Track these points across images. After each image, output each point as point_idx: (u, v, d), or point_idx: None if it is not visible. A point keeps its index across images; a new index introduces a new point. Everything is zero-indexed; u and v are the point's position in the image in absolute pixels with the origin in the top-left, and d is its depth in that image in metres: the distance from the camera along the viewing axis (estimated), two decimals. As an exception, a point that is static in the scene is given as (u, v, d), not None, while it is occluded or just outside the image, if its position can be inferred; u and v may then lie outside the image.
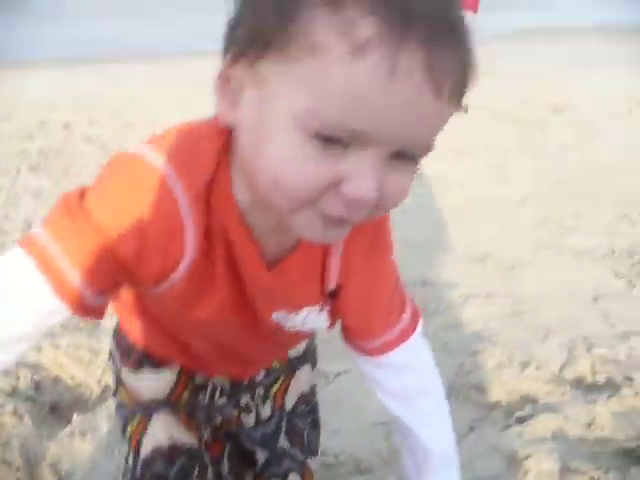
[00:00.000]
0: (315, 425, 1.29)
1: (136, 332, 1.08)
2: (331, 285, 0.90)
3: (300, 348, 1.23)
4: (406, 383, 1.02)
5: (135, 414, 1.10)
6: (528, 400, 1.84)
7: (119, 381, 1.14)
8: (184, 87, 5.67)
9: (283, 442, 1.20)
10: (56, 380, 1.88)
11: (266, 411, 1.20)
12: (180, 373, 1.11)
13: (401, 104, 0.61)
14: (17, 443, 1.62)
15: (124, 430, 1.11)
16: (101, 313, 0.79)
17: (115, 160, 0.76)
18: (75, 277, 0.72)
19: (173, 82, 6.36)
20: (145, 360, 1.09)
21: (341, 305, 0.93)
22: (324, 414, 1.75)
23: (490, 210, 3.11)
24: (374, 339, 0.97)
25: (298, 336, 1.04)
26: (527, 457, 1.59)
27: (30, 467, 1.58)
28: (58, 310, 0.74)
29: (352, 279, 0.91)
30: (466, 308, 2.25)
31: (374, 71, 0.59)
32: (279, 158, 0.65)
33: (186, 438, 1.10)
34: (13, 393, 1.79)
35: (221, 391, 1.15)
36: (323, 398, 1.80)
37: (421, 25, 0.60)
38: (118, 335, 1.13)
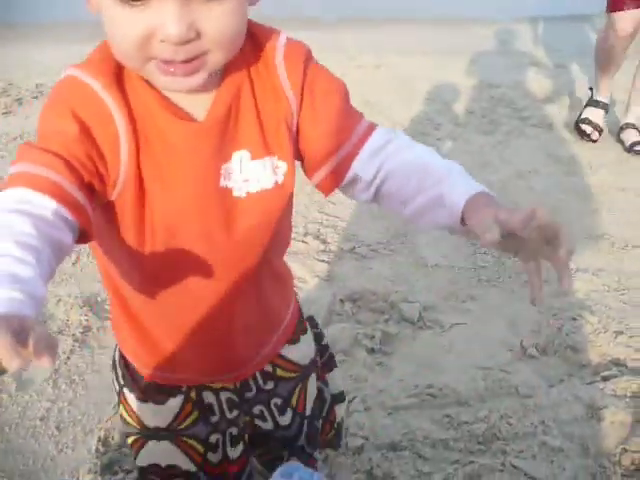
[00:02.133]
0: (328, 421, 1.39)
1: (131, 347, 1.12)
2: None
3: (308, 355, 1.26)
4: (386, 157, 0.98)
5: (134, 433, 1.16)
6: (616, 364, 2.11)
7: (121, 396, 1.17)
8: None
9: (302, 441, 1.30)
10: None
11: (286, 419, 1.25)
12: (185, 401, 1.14)
13: None
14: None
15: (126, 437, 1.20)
16: (87, 218, 0.82)
17: (55, 85, 0.90)
18: (48, 173, 0.80)
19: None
20: (151, 389, 1.13)
21: (304, 135, 0.97)
22: (436, 355, 2.14)
23: (617, 196, 3.28)
24: (344, 147, 0.98)
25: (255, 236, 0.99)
26: (604, 407, 1.89)
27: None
28: (48, 206, 0.77)
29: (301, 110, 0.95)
30: (574, 280, 2.52)
31: None
32: (110, 31, 0.82)
33: (184, 463, 1.16)
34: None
35: (230, 405, 1.18)
36: (437, 342, 2.19)
37: None
38: (122, 355, 1.16)
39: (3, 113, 4.02)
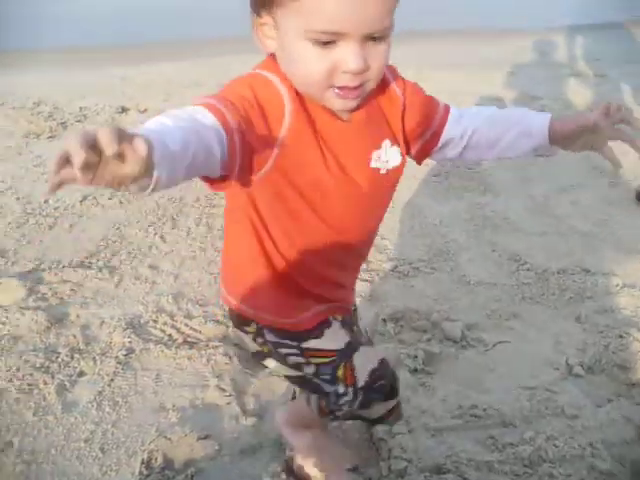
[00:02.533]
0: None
1: (289, 304, 1.36)
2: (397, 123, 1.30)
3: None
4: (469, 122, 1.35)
5: (339, 361, 1.40)
6: (667, 383, 2.06)
7: (306, 354, 1.40)
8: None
9: None
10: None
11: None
12: (340, 324, 1.42)
13: (354, 9, 1.03)
14: (228, 377, 2.10)
15: (334, 372, 1.40)
16: (234, 156, 1.06)
17: (237, 78, 1.17)
18: (220, 105, 1.05)
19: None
20: (316, 328, 1.39)
21: (407, 127, 1.31)
22: (480, 375, 2.10)
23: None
24: (434, 120, 1.35)
25: (384, 201, 1.37)
26: (656, 430, 1.84)
27: (238, 394, 2.04)
28: (211, 120, 1.02)
29: (406, 111, 1.31)
30: (620, 296, 2.46)
31: None
32: (300, 64, 1.09)
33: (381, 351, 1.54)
34: (223, 339, 2.26)
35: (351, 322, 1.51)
36: (481, 361, 2.15)
37: None
38: (272, 336, 1.40)
39: (48, 137, 4.11)
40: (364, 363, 1.40)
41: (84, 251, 2.83)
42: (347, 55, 1.05)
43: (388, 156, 1.28)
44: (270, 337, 1.40)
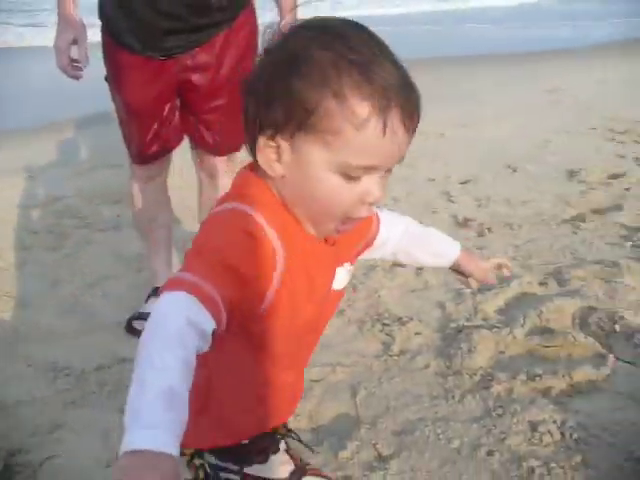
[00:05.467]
0: None
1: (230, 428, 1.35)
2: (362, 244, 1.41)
3: None
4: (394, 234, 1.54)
5: None
6: None
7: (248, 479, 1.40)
8: None
9: None
10: None
11: None
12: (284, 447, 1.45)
13: (392, 147, 1.07)
14: None
15: None
16: (218, 308, 0.99)
17: (220, 214, 1.14)
18: (212, 291, 0.98)
19: None
20: (256, 447, 1.40)
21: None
22: None
23: None
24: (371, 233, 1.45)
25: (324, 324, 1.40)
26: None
27: None
28: (208, 325, 0.96)
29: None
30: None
31: (373, 134, 1.04)
32: (323, 195, 1.10)
33: None
34: None
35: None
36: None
37: (396, 99, 1.05)
38: (213, 459, 1.39)
39: None
40: None
41: None
42: (372, 187, 1.09)
43: (341, 278, 1.32)
44: (211, 459, 1.37)
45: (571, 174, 4.72)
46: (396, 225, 1.54)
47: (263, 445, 1.40)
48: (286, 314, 1.19)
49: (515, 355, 2.59)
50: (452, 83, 7.79)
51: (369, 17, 10.16)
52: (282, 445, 1.45)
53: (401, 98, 1.05)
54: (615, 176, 4.65)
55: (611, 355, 2.50)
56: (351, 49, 1.04)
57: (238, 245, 1.06)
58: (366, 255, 1.50)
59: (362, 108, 1.03)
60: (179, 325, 0.90)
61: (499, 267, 1.68)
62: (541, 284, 3.10)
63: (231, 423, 1.35)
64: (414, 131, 1.11)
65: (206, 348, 0.96)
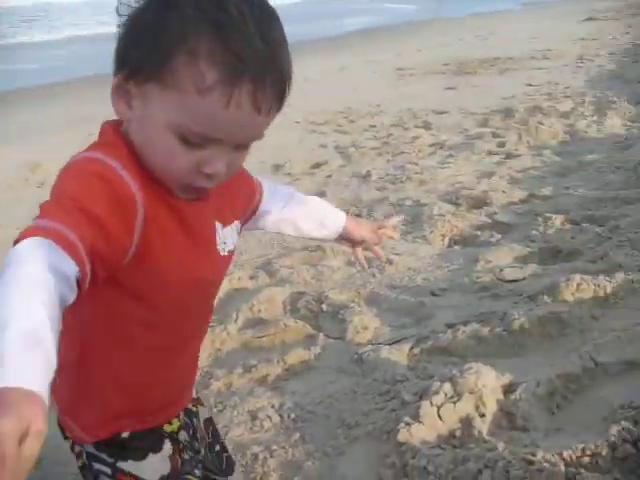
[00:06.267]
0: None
1: (113, 407, 1.23)
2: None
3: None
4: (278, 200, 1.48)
5: None
6: None
7: (118, 475, 1.24)
8: None
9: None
10: None
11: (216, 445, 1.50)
12: (172, 444, 1.30)
13: (235, 122, 1.00)
14: None
15: None
16: (79, 252, 0.91)
17: (74, 163, 1.04)
18: (70, 234, 0.90)
19: None
20: (138, 441, 1.25)
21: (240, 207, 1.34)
22: None
23: None
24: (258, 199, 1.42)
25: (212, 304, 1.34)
26: None
27: None
28: (72, 269, 0.87)
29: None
30: None
31: (215, 104, 0.97)
32: (160, 152, 1.03)
33: None
34: None
35: (191, 435, 1.38)
36: None
37: (249, 73, 0.96)
38: (91, 447, 1.25)
39: None
40: None
41: None
42: (213, 158, 1.03)
43: (229, 237, 1.25)
44: (88, 448, 1.26)
45: (277, 168, 4.97)
46: (279, 192, 1.49)
47: (142, 443, 1.28)
48: (162, 266, 1.11)
49: (231, 350, 2.65)
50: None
51: None
52: (167, 445, 1.30)
53: (256, 74, 0.98)
54: (317, 165, 4.97)
55: (321, 334, 2.67)
56: (220, 8, 0.98)
57: (93, 189, 0.99)
58: (250, 225, 1.45)
59: (210, 74, 0.96)
60: (39, 269, 0.83)
61: (392, 227, 1.67)
62: (251, 278, 3.20)
63: (110, 409, 1.25)
64: (270, 113, 1.04)
65: (72, 297, 0.88)
